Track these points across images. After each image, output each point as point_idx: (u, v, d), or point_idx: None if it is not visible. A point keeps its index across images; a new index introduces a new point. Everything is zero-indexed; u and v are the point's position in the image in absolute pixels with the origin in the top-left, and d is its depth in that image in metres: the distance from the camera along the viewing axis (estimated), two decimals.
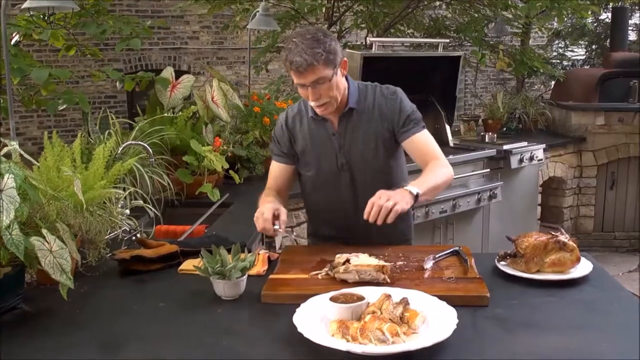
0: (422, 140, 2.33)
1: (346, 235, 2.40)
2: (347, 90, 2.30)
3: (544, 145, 5.49)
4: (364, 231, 2.25)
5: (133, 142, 3.00)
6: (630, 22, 7.91)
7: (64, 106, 3.62)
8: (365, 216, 2.04)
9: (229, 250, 1.90)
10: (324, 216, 2.49)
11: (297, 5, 5.85)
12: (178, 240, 2.45)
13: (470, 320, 1.67)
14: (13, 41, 3.79)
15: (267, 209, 2.15)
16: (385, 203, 2.01)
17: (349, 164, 2.33)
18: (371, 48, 4.56)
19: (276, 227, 2.13)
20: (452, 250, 2.19)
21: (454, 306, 1.65)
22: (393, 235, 2.37)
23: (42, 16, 3.77)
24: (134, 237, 2.38)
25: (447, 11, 6.98)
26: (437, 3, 6.85)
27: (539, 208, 5.99)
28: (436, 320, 1.59)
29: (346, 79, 2.31)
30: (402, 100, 2.34)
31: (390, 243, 2.29)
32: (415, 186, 2.12)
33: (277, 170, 2.44)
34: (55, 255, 1.73)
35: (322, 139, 2.34)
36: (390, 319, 1.55)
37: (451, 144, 5.04)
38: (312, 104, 2.24)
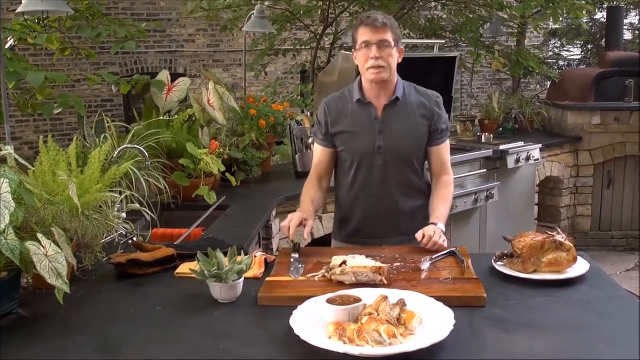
0: (444, 151, 2.58)
1: (373, 212, 2.55)
2: (396, 82, 2.49)
3: (540, 145, 5.49)
4: (390, 207, 2.53)
5: (129, 145, 3.00)
6: (625, 21, 7.92)
7: (59, 110, 3.61)
8: (423, 243, 2.24)
9: (225, 253, 1.90)
10: (355, 194, 2.57)
11: (292, 7, 5.85)
12: (175, 243, 2.44)
13: (467, 321, 1.67)
14: (8, 45, 3.78)
15: (296, 216, 2.33)
16: (439, 240, 2.25)
17: (385, 148, 2.48)
18: None
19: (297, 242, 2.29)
20: (449, 251, 2.19)
21: (451, 307, 1.64)
22: (413, 223, 2.51)
23: (36, 20, 3.76)
24: (130, 241, 2.38)
25: (443, 12, 6.99)
26: (433, 4, 6.85)
27: (536, 208, 5.99)
28: (433, 321, 1.59)
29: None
30: (443, 108, 2.57)
31: (407, 227, 2.50)
32: (441, 222, 2.38)
33: (319, 153, 2.60)
34: (51, 260, 1.72)
35: (364, 121, 2.49)
36: (387, 321, 1.54)
37: None
38: (370, 63, 2.38)
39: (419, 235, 2.26)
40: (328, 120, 2.53)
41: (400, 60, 2.47)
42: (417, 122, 2.50)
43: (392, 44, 2.38)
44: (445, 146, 2.58)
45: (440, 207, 2.47)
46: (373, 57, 2.36)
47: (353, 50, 2.49)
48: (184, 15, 6.28)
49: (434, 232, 2.26)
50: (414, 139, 2.50)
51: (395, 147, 2.48)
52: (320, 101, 2.66)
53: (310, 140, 3.86)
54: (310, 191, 2.54)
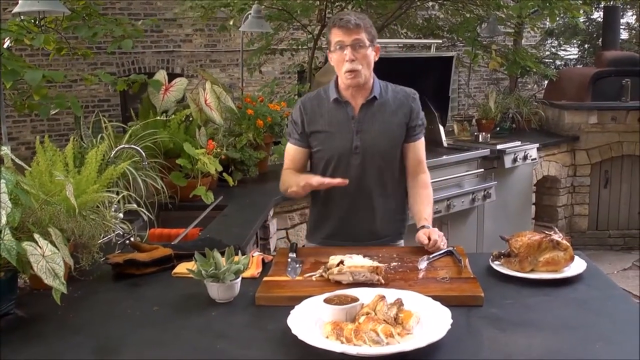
0: (420, 148, 2.56)
1: (349, 214, 2.53)
2: (373, 81, 2.47)
3: (537, 145, 5.50)
4: (366, 209, 2.51)
5: (126, 145, 2.99)
6: (622, 21, 7.93)
7: (56, 110, 3.61)
8: (428, 246, 2.22)
9: (222, 253, 1.90)
10: (330, 195, 2.54)
11: (289, 7, 5.85)
12: (172, 243, 2.44)
13: (464, 320, 1.67)
14: (5, 46, 3.77)
15: (302, 178, 2.40)
16: (441, 243, 2.23)
17: (363, 147, 2.45)
18: None
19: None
20: (446, 250, 2.19)
21: (448, 306, 1.64)
22: (389, 224, 2.57)
23: (33, 20, 3.76)
24: (127, 241, 2.37)
25: (440, 12, 7.00)
26: (430, 3, 6.86)
27: (533, 207, 6.00)
28: (430, 321, 1.59)
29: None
30: (419, 104, 2.55)
31: (384, 230, 2.55)
32: (429, 224, 2.38)
33: (294, 152, 2.56)
34: (48, 260, 1.72)
35: (341, 120, 2.47)
36: (384, 320, 1.55)
37: (445, 144, 5.04)
38: (345, 67, 2.36)
39: (423, 239, 2.24)
40: (304, 120, 2.50)
41: (377, 59, 2.44)
42: (394, 121, 2.47)
43: (367, 43, 2.35)
44: (421, 142, 2.56)
45: (427, 209, 2.46)
46: (348, 60, 2.34)
47: (328, 51, 2.46)
48: (181, 15, 6.28)
49: (438, 235, 2.25)
50: (391, 138, 2.48)
51: (372, 146, 2.45)
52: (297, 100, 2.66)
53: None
54: (289, 172, 2.54)
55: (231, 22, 6.27)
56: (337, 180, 2.34)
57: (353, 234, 2.51)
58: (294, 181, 2.42)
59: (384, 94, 2.48)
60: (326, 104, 2.49)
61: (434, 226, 2.37)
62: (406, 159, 2.55)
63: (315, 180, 2.36)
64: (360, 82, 2.39)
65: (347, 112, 2.46)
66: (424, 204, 2.48)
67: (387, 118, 2.47)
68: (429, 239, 2.23)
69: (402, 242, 2.63)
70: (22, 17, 3.65)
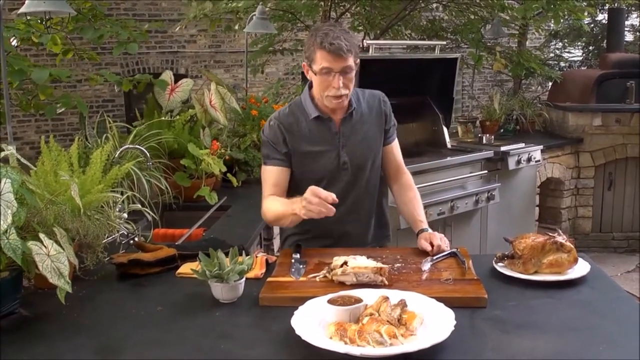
0: (396, 149, 2.50)
1: (338, 227, 2.37)
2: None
3: (541, 147, 5.50)
4: (360, 223, 2.43)
5: (130, 146, 3.00)
6: (626, 23, 7.91)
7: (62, 110, 3.62)
8: (432, 253, 2.18)
9: (226, 254, 1.90)
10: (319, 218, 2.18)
11: (293, 7, 5.86)
12: (176, 243, 2.45)
13: (468, 321, 1.67)
14: (13, 43, 3.78)
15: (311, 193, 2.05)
16: (444, 245, 2.21)
17: (351, 162, 2.37)
18: (368, 51, 4.56)
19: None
20: (450, 252, 2.19)
21: (451, 308, 1.64)
22: (376, 230, 2.52)
23: (39, 20, 3.77)
24: (131, 241, 2.38)
25: (444, 13, 6.99)
26: (434, 5, 6.86)
27: (537, 209, 5.99)
28: (434, 322, 1.59)
29: None
30: (389, 105, 2.46)
31: (373, 238, 2.50)
32: (426, 226, 2.35)
33: (275, 175, 2.36)
34: (53, 260, 1.73)
35: (325, 138, 2.36)
36: (388, 321, 1.55)
37: (449, 146, 5.04)
38: (332, 92, 2.22)
39: (426, 246, 2.21)
40: (286, 138, 2.33)
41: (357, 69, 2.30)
42: (373, 128, 2.40)
43: (354, 66, 2.22)
44: (397, 143, 2.50)
45: (419, 211, 2.42)
46: (336, 87, 2.20)
47: (305, 64, 2.28)
48: (186, 18, 6.29)
49: (441, 238, 2.23)
50: (373, 147, 2.41)
51: (359, 159, 2.37)
52: (267, 120, 2.45)
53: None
54: (274, 199, 2.31)
55: (237, 27, 6.28)
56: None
57: (342, 245, 2.39)
58: (289, 207, 2.16)
59: (359, 103, 2.39)
60: (304, 121, 2.35)
61: (436, 228, 2.34)
62: (386, 162, 2.49)
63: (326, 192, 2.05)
64: (345, 105, 2.31)
65: (330, 128, 2.35)
66: (415, 207, 2.43)
67: (366, 127, 2.39)
68: (432, 244, 2.20)
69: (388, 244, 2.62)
70: (29, 18, 3.66)
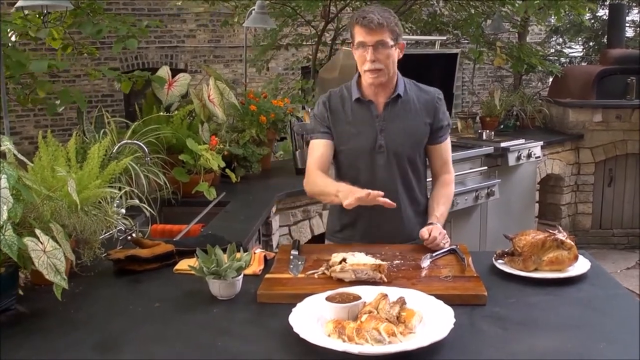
0: (445, 149, 2.53)
1: (377, 215, 2.37)
2: (397, 79, 2.42)
3: (541, 143, 5.48)
4: (394, 210, 2.30)
5: (128, 141, 2.99)
6: (627, 18, 7.89)
7: (63, 106, 3.60)
8: (426, 241, 2.22)
9: (224, 250, 1.89)
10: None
11: (294, 2, 5.84)
12: (174, 239, 2.43)
13: (467, 319, 1.66)
14: (12, 37, 3.76)
15: (350, 191, 2.17)
16: (442, 242, 2.22)
17: (387, 146, 2.40)
18: None
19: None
20: (449, 248, 2.18)
21: (451, 305, 1.64)
22: (415, 226, 2.44)
23: (37, 15, 3.75)
24: (129, 237, 2.37)
25: (445, 8, 6.97)
26: (434, 0, 6.84)
27: (537, 205, 5.98)
28: (433, 320, 1.58)
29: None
30: (444, 104, 2.51)
31: (411, 232, 2.44)
32: (440, 223, 2.35)
33: (319, 148, 2.45)
34: (49, 256, 1.71)
35: (364, 119, 2.42)
36: (386, 319, 1.54)
37: None
38: (367, 66, 2.31)
39: (424, 233, 2.23)
40: (329, 116, 2.44)
41: (400, 56, 2.38)
42: (419, 120, 2.43)
43: (390, 43, 2.29)
44: (447, 144, 2.52)
45: (441, 207, 2.43)
46: (369, 60, 2.29)
47: (351, 45, 2.41)
48: (185, 9, 6.26)
49: (440, 233, 2.24)
50: (415, 137, 2.44)
51: (397, 145, 2.40)
52: (319, 97, 2.58)
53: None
54: (320, 175, 2.39)
55: (235, 19, 6.26)
56: (383, 200, 2.13)
57: (378, 236, 2.41)
58: (333, 189, 2.27)
59: (408, 92, 2.44)
60: (349, 102, 2.44)
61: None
62: (432, 160, 2.52)
63: (366, 192, 2.12)
64: (382, 81, 2.35)
65: (371, 111, 2.41)
66: (440, 202, 2.44)
67: (411, 117, 2.42)
68: (430, 235, 2.21)
69: None
70: (27, 12, 3.64)
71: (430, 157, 2.53)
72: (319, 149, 2.46)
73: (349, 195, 2.15)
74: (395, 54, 2.34)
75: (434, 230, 2.23)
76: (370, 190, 2.12)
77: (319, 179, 2.39)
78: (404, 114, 2.42)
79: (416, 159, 2.47)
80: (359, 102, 2.42)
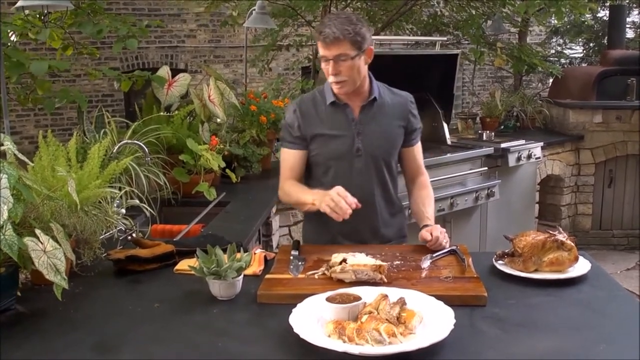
0: (418, 151, 2.54)
1: (353, 219, 2.31)
2: (370, 83, 2.41)
3: (541, 143, 5.48)
4: (370, 213, 2.41)
5: (129, 141, 2.99)
6: (627, 19, 7.89)
7: (62, 103, 3.59)
8: (429, 243, 2.21)
9: (224, 250, 1.89)
10: None
11: (293, 2, 5.84)
12: (174, 239, 2.43)
13: (467, 320, 1.66)
14: (12, 37, 3.76)
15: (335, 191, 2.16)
16: (444, 242, 2.22)
17: (364, 150, 2.39)
18: None
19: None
20: (449, 249, 2.18)
21: (451, 306, 1.64)
22: (392, 227, 2.52)
23: (38, 15, 3.74)
24: (129, 237, 2.37)
25: (445, 9, 6.97)
26: (435, 1, 6.83)
27: (537, 206, 5.98)
28: (433, 321, 1.58)
29: (367, 74, 2.40)
30: (416, 108, 2.51)
31: (387, 233, 2.50)
32: (432, 223, 2.36)
33: (292, 158, 2.44)
34: (49, 256, 1.71)
35: (341, 122, 2.40)
36: (387, 319, 1.54)
37: (449, 142, 5.02)
38: (330, 79, 2.31)
39: (426, 236, 2.22)
40: (300, 123, 2.40)
41: (369, 61, 2.33)
42: (394, 123, 2.43)
43: (351, 54, 2.24)
44: (419, 146, 2.54)
45: (428, 209, 2.44)
46: (331, 74, 2.28)
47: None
48: (185, 10, 6.25)
49: (440, 232, 2.24)
50: (391, 140, 2.45)
51: (374, 148, 2.40)
52: (290, 104, 2.55)
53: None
54: (293, 184, 2.41)
55: (235, 13, 6.24)
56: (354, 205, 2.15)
57: (356, 240, 2.42)
58: (308, 197, 2.28)
59: (382, 96, 2.43)
60: (323, 106, 2.41)
61: (437, 223, 2.34)
62: (405, 163, 2.54)
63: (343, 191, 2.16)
64: (348, 91, 2.33)
65: (347, 114, 2.39)
66: (425, 205, 2.45)
67: (386, 120, 2.42)
68: (432, 235, 2.21)
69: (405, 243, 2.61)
70: (27, 12, 3.64)
71: (404, 160, 2.53)
72: (289, 159, 2.45)
73: (324, 198, 2.16)
74: (361, 62, 2.30)
75: (435, 231, 2.24)
76: (352, 200, 2.13)
77: (292, 189, 2.41)
78: (380, 117, 2.41)
79: (392, 162, 2.48)
80: (334, 105, 2.39)
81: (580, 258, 2.02)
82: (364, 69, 2.34)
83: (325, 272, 1.96)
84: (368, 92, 2.40)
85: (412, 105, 2.49)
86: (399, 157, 2.51)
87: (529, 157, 5.28)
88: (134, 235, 2.38)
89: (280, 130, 2.55)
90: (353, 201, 2.14)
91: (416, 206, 2.48)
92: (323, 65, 2.31)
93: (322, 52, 2.27)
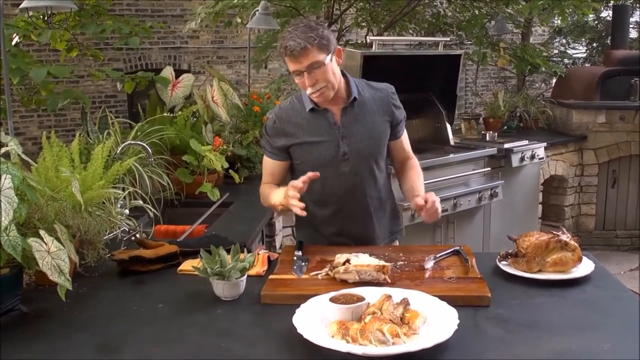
0: (406, 141, 2.51)
1: (345, 222, 2.42)
2: (347, 84, 2.35)
3: (545, 144, 5.48)
4: (363, 215, 2.40)
5: (132, 141, 2.99)
6: (631, 20, 7.88)
7: (65, 102, 3.60)
8: (426, 207, 2.19)
9: (228, 251, 1.89)
10: (325, 203, 2.41)
11: (296, 3, 5.84)
12: (177, 240, 2.44)
13: (471, 320, 1.66)
14: (13, 42, 3.77)
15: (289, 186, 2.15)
16: (438, 204, 2.21)
17: (351, 153, 2.34)
18: (371, 47, 4.55)
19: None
20: (453, 249, 2.18)
21: (455, 306, 1.63)
22: (386, 226, 2.51)
23: (41, 16, 3.75)
24: (133, 238, 2.37)
25: (448, 9, 6.97)
26: (439, 1, 6.83)
27: (540, 207, 5.98)
28: (437, 321, 1.58)
29: (343, 74, 2.34)
30: (397, 99, 2.44)
31: (382, 232, 2.48)
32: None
33: (271, 166, 2.44)
34: (53, 257, 1.72)
35: (323, 128, 2.34)
36: (390, 320, 1.54)
37: (452, 143, 5.02)
38: (308, 91, 2.24)
39: (419, 200, 2.21)
40: (279, 132, 2.36)
41: (341, 61, 2.28)
42: (378, 120, 2.37)
43: (322, 60, 2.17)
44: (405, 136, 2.50)
45: (420, 186, 2.40)
46: (309, 85, 2.21)
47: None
48: (197, 15, 6.26)
49: (434, 197, 2.21)
50: (378, 138, 2.39)
51: (361, 149, 2.34)
52: (269, 112, 2.49)
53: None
54: (267, 188, 2.40)
55: (239, 20, 6.26)
56: (312, 174, 2.15)
57: (350, 239, 2.40)
58: (277, 198, 2.25)
59: (362, 94, 2.36)
60: (302, 113, 2.35)
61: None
62: (394, 154, 2.50)
63: (296, 183, 2.13)
64: (330, 95, 2.26)
65: (328, 119, 2.33)
66: (416, 182, 2.42)
67: (370, 118, 2.36)
68: (426, 201, 2.19)
69: (397, 243, 2.60)
70: (30, 14, 3.65)
71: (392, 152, 2.50)
72: (269, 167, 2.45)
73: (283, 197, 2.15)
74: (334, 64, 2.24)
75: (429, 197, 2.21)
76: (303, 179, 2.12)
77: (265, 192, 2.40)
78: (363, 117, 2.35)
79: (381, 159, 2.44)
80: (314, 111, 2.33)
81: (584, 258, 2.02)
82: (338, 71, 2.28)
83: (329, 272, 1.96)
84: (347, 94, 2.34)
85: (394, 96, 2.43)
86: (387, 150, 2.47)
87: (532, 157, 5.27)
88: (137, 235, 2.38)
89: (262, 137, 2.50)
90: (306, 177, 2.12)
91: (406, 185, 2.45)
92: (297, 80, 2.24)
93: (292, 67, 2.20)
